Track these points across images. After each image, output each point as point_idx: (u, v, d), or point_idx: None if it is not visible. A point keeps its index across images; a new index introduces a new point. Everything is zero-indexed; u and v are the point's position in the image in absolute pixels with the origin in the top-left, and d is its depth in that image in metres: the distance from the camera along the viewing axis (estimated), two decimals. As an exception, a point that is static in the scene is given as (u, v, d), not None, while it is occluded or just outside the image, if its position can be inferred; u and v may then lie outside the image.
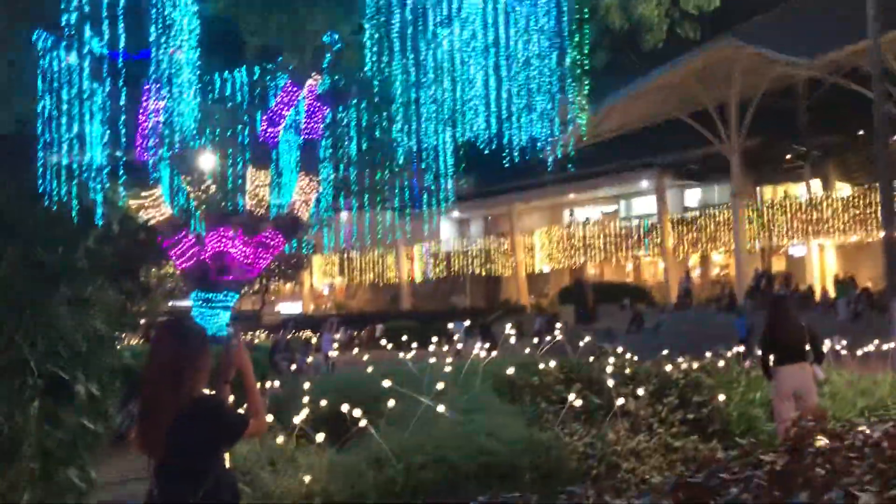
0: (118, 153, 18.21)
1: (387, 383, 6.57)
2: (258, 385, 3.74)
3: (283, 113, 18.51)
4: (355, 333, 35.72)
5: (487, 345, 9.44)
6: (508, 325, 10.20)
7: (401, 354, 9.06)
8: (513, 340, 11.18)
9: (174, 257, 19.12)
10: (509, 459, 5.82)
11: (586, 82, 14.74)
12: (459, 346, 10.00)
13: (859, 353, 10.90)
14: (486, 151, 15.77)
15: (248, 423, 3.25)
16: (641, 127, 36.93)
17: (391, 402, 6.69)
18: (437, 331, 23.25)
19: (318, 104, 18.92)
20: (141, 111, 17.28)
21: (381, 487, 5.62)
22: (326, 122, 19.40)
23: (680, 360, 8.99)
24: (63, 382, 5.18)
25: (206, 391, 3.26)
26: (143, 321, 36.94)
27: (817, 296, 30.66)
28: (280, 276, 44.33)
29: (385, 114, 19.40)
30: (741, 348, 10.45)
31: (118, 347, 6.25)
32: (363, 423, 6.10)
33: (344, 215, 44.69)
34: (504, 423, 6.39)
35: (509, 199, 43.16)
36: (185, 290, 21.42)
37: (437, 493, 5.62)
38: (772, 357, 7.31)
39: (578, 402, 6.91)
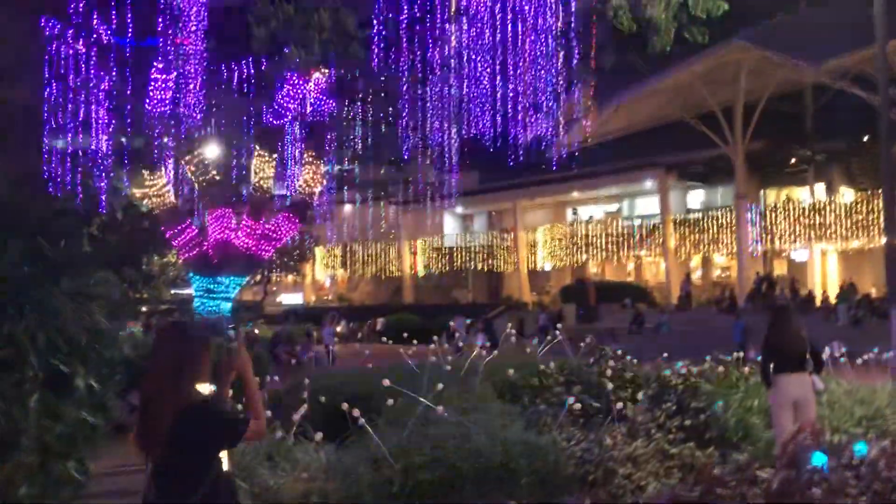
0: (123, 140, 18.24)
1: (386, 382, 6.59)
2: (258, 380, 3.76)
3: (289, 105, 18.51)
4: (357, 326, 35.79)
5: (488, 344, 9.44)
6: (509, 325, 10.20)
7: (401, 349, 9.10)
8: (513, 339, 11.22)
9: (177, 246, 19.15)
10: (506, 462, 5.83)
11: (592, 82, 14.72)
12: (460, 343, 10.02)
13: (858, 361, 10.86)
14: (492, 150, 15.78)
15: (248, 425, 3.26)
16: (647, 127, 36.89)
17: (390, 401, 6.71)
18: (439, 326, 23.36)
19: (324, 97, 18.91)
20: (147, 99, 17.29)
21: (378, 487, 5.64)
22: (332, 114, 19.39)
23: (679, 364, 9.00)
24: (63, 376, 5.19)
25: (207, 385, 3.27)
26: (144, 309, 37.06)
27: (818, 301, 30.66)
28: (282, 268, 44.37)
29: (391, 108, 19.40)
30: (740, 353, 10.42)
31: (119, 339, 6.25)
32: (362, 421, 6.12)
33: (347, 208, 44.78)
34: (503, 424, 6.41)
35: (513, 196, 43.17)
36: (187, 278, 21.47)
37: (434, 493, 5.64)
38: (772, 365, 7.32)
39: (577, 406, 6.93)
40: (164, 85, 16.64)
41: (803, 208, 34.65)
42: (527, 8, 13.39)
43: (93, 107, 17.47)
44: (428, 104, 17.58)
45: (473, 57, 14.83)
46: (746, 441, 7.64)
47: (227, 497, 3.26)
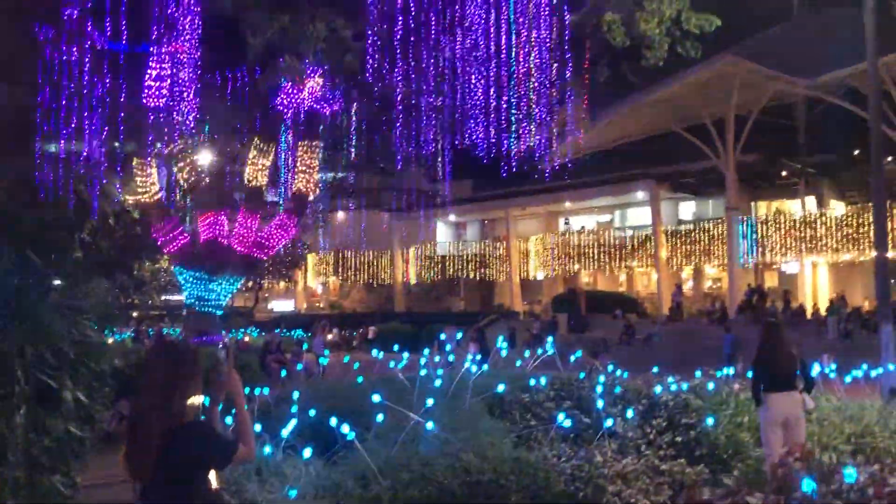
0: (116, 145, 18.21)
1: (377, 398, 6.57)
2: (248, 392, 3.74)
3: (284, 114, 18.53)
4: (349, 335, 35.71)
5: (479, 357, 9.43)
6: (501, 337, 10.20)
7: (392, 363, 9.08)
8: (504, 353, 11.23)
9: (161, 241, 19.09)
10: (496, 480, 5.82)
11: (585, 95, 14.78)
12: (451, 358, 9.98)
13: (848, 380, 10.89)
14: (485, 161, 15.82)
15: (237, 448, 3.25)
16: (639, 139, 37.05)
17: (380, 417, 6.69)
18: (430, 335, 23.28)
19: (318, 106, 18.92)
20: (140, 104, 17.26)
21: (367, 504, 5.62)
22: (325, 124, 19.41)
23: (670, 379, 9.01)
24: (51, 390, 5.16)
25: (199, 396, 3.25)
26: (135, 314, 36.90)
27: (808, 313, 30.77)
28: (274, 274, 44.28)
29: (385, 118, 19.42)
30: (731, 370, 10.44)
31: (109, 350, 6.22)
32: (351, 437, 6.09)
33: (340, 215, 44.78)
34: (492, 441, 6.39)
35: (506, 204, 43.26)
36: (178, 285, 21.42)
37: (422, 511, 5.62)
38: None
39: (568, 423, 6.92)
40: (157, 92, 16.61)
41: (794, 221, 34.81)
42: (521, 20, 13.43)
43: (86, 112, 17.43)
44: (422, 114, 17.61)
45: (468, 68, 14.87)
46: (736, 458, 7.65)
47: (216, 518, 3.24)
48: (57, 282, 6.04)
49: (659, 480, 6.75)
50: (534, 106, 15.35)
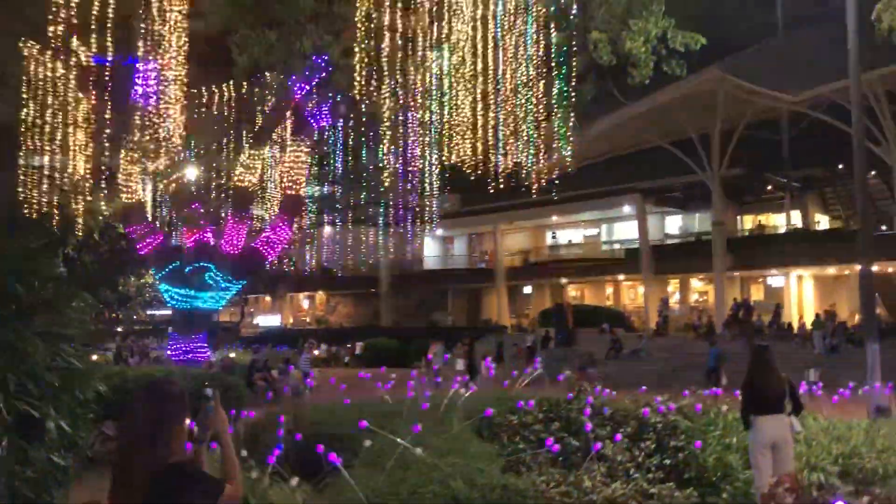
0: (100, 162, 18.10)
1: (364, 424, 6.51)
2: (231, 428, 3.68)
3: (270, 131, 18.49)
4: (336, 351, 35.56)
5: (468, 377, 9.40)
6: (489, 359, 10.16)
7: (378, 385, 9.02)
8: (492, 371, 11.21)
9: (144, 252, 18.96)
10: (485, 507, 5.77)
11: (571, 112, 14.83)
12: (438, 379, 9.94)
13: (835, 399, 10.92)
14: (472, 176, 15.84)
15: (224, 488, 3.19)
16: (625, 153, 37.26)
17: (368, 442, 6.62)
18: (418, 350, 23.13)
19: (305, 122, 18.90)
20: (125, 121, 17.19)
21: (354, 532, 5.55)
22: (313, 140, 19.38)
23: (658, 399, 8.98)
24: (33, 419, 5.08)
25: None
26: (119, 329, 36.58)
27: (795, 327, 30.91)
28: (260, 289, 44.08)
29: (372, 133, 19.41)
30: (718, 391, 10.43)
31: (93, 377, 6.12)
32: (339, 462, 6.03)
33: (327, 230, 44.63)
34: (481, 467, 6.34)
35: (494, 219, 43.28)
36: (164, 302, 21.24)
37: (410, 539, 5.55)
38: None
39: (556, 447, 6.89)
40: (143, 107, 16.54)
41: (779, 234, 35.01)
42: (507, 38, 13.48)
43: (70, 128, 17.33)
44: (409, 129, 17.61)
45: (455, 84, 14.90)
46: (725, 481, 7.62)
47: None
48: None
49: (648, 504, 6.72)
50: (521, 123, 15.38)
